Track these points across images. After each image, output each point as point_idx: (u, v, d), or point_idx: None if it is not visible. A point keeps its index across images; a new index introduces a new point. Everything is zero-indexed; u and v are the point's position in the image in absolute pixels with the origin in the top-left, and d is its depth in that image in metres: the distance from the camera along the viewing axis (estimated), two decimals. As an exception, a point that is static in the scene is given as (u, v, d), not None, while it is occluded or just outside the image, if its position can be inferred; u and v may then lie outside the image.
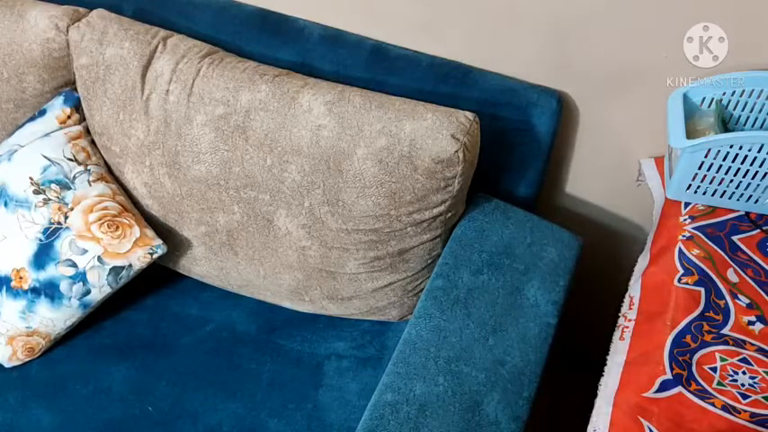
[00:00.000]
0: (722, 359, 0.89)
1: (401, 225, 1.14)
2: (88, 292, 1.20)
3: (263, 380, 1.20)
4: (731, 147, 0.98)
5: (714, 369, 0.88)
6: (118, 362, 1.23)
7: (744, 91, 1.04)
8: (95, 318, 1.27)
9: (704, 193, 1.05)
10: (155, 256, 1.23)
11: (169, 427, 1.14)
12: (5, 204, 1.20)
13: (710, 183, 1.03)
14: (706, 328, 0.92)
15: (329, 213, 1.15)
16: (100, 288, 1.21)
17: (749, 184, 1.01)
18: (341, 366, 1.21)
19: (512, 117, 1.19)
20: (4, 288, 1.19)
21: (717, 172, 1.01)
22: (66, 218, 1.19)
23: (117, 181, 1.28)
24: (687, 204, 1.08)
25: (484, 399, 0.97)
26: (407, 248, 1.17)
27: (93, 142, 1.29)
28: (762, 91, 1.04)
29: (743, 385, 0.87)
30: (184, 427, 1.14)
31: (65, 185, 1.21)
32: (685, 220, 1.05)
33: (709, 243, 1.01)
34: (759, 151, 0.97)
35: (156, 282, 1.34)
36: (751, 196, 1.03)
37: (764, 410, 0.84)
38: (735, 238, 1.02)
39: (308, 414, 1.15)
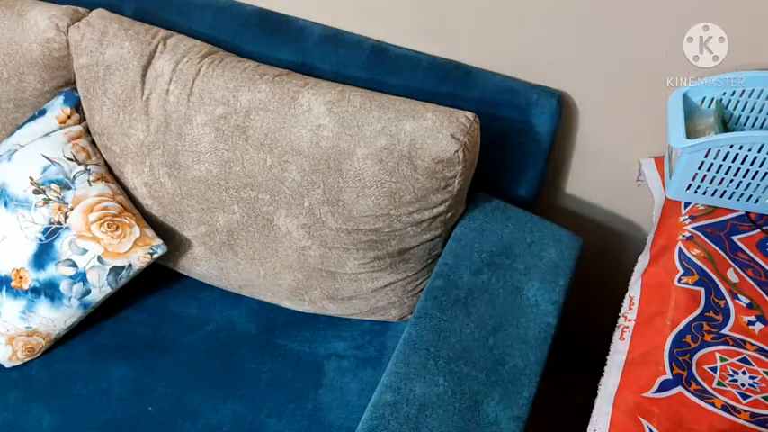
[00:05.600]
0: (722, 359, 0.89)
1: (401, 225, 1.14)
2: (88, 291, 1.20)
3: (263, 380, 1.20)
4: (731, 147, 0.98)
5: (714, 369, 0.88)
6: (118, 362, 1.23)
7: (744, 91, 1.04)
8: (95, 318, 1.28)
9: (704, 193, 1.05)
10: (155, 256, 1.23)
11: (169, 427, 1.14)
12: (5, 204, 1.20)
13: (710, 183, 1.03)
14: (706, 328, 0.92)
15: (329, 213, 1.15)
16: (100, 288, 1.21)
17: (749, 184, 1.01)
18: (341, 366, 1.21)
19: (512, 117, 1.19)
20: (4, 288, 1.19)
21: (717, 172, 1.01)
22: (66, 218, 1.19)
23: (117, 181, 1.28)
24: (687, 204, 1.08)
25: (484, 399, 0.97)
26: (407, 248, 1.17)
27: (93, 142, 1.29)
28: (762, 91, 1.04)
29: (743, 385, 0.87)
30: (184, 426, 1.14)
31: (65, 185, 1.21)
32: (685, 219, 1.05)
33: (709, 243, 1.01)
34: (759, 151, 0.97)
35: (156, 282, 1.33)
36: (751, 196, 1.03)
37: (764, 410, 0.84)
38: (735, 238, 1.02)
39: (308, 414, 1.15)
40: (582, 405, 0.97)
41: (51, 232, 1.19)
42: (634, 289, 1.00)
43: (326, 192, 1.14)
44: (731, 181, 1.02)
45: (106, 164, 1.29)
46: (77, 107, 1.29)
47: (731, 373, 0.88)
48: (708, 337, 0.91)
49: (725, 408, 0.85)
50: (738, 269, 0.98)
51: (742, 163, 0.99)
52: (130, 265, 1.21)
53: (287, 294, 1.27)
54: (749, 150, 0.98)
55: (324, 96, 1.12)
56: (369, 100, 1.11)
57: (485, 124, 1.12)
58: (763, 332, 0.92)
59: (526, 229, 1.17)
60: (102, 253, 1.19)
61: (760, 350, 0.90)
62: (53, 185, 1.21)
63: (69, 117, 1.29)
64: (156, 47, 1.20)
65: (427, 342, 1.02)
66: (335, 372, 1.20)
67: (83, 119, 1.30)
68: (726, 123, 1.07)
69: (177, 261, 1.32)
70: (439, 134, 1.07)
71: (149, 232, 1.24)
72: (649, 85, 1.12)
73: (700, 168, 1.02)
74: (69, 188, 1.21)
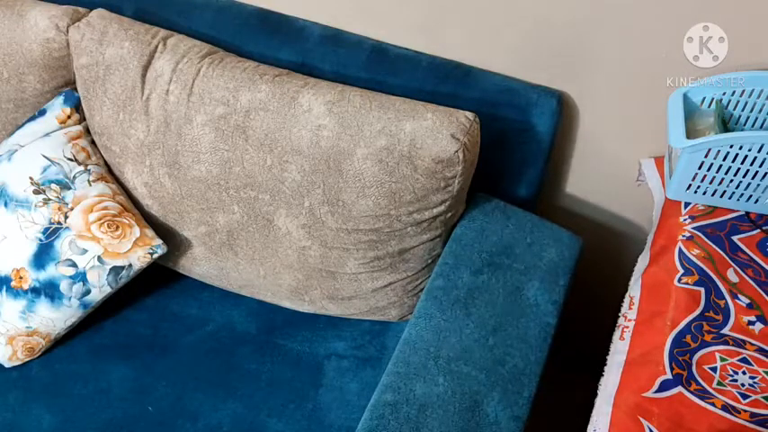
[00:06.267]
0: (722, 359, 0.89)
1: (401, 225, 1.14)
2: (88, 291, 1.20)
3: (263, 380, 1.20)
4: (731, 147, 0.98)
5: (714, 369, 0.88)
6: (118, 362, 1.23)
7: (744, 91, 1.04)
8: (95, 318, 1.27)
9: (704, 193, 1.05)
10: (155, 256, 1.23)
11: (169, 427, 1.14)
12: (5, 204, 1.20)
13: (710, 183, 1.03)
14: (706, 327, 0.92)
15: (329, 213, 1.15)
16: (100, 288, 1.21)
17: (749, 184, 1.01)
18: (341, 366, 1.21)
19: (512, 117, 1.19)
20: (4, 288, 1.19)
21: (717, 172, 1.01)
22: (66, 218, 1.19)
23: (117, 181, 1.28)
24: (687, 204, 1.08)
25: (484, 399, 0.97)
26: (407, 248, 1.17)
27: (93, 142, 1.29)
28: (762, 91, 1.04)
29: (743, 385, 0.87)
30: (184, 426, 1.14)
31: (65, 185, 1.21)
32: (685, 219, 1.05)
33: (709, 243, 1.01)
34: (759, 151, 0.97)
35: (156, 282, 1.33)
36: (751, 196, 1.03)
37: (764, 410, 0.84)
38: (735, 238, 1.02)
39: (308, 414, 1.15)
40: (582, 405, 0.97)
41: (51, 232, 1.19)
42: (634, 289, 1.00)
43: (326, 192, 1.13)
44: (731, 181, 1.02)
45: (106, 164, 1.29)
46: (77, 107, 1.29)
47: (731, 373, 0.88)
48: (708, 337, 0.91)
49: (725, 408, 0.85)
50: (738, 269, 0.98)
51: (742, 163, 0.99)
52: (130, 265, 1.21)
53: (287, 294, 1.27)
54: (749, 150, 0.98)
55: (324, 96, 1.12)
56: (369, 100, 1.11)
57: (485, 124, 1.12)
58: (763, 332, 0.92)
59: (526, 229, 1.17)
60: (102, 253, 1.19)
61: (760, 350, 0.90)
62: (53, 185, 1.21)
63: (69, 117, 1.29)
64: (156, 47, 1.20)
65: (427, 342, 1.02)
66: (335, 372, 1.20)
67: (83, 119, 1.30)
68: (726, 123, 1.07)
69: (177, 261, 1.32)
70: (439, 134, 1.07)
71: (149, 232, 1.24)
72: (649, 85, 1.12)
73: (700, 168, 1.02)
74: (69, 188, 1.21)
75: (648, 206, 1.16)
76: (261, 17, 1.29)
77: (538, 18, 1.13)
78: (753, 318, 0.93)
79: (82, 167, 1.24)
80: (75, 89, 1.29)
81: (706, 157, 1.00)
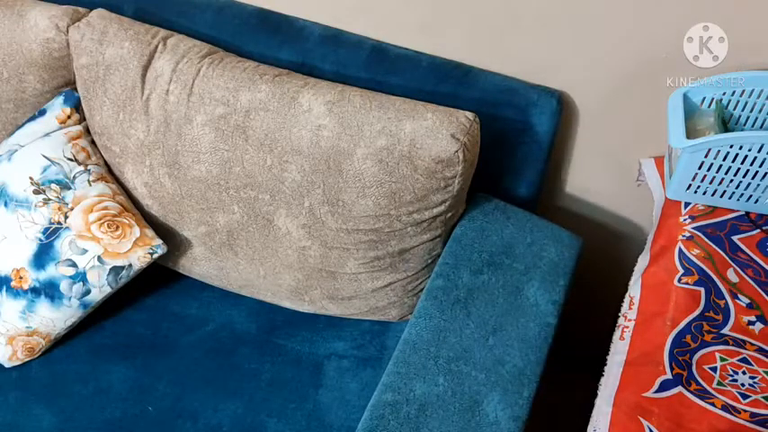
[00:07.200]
0: (722, 359, 0.89)
1: (401, 225, 1.14)
2: (88, 292, 1.20)
3: (263, 380, 1.20)
4: (731, 147, 0.98)
5: (714, 369, 0.88)
6: (118, 362, 1.23)
7: (744, 91, 1.04)
8: (95, 318, 1.28)
9: (704, 193, 1.05)
10: (155, 256, 1.23)
11: (169, 427, 1.14)
12: (5, 204, 1.20)
13: (710, 183, 1.03)
14: (706, 327, 0.92)
15: (329, 213, 1.15)
16: (100, 288, 1.21)
17: (749, 184, 1.01)
18: (341, 366, 1.21)
19: (512, 117, 1.19)
20: (4, 288, 1.19)
21: (717, 172, 1.01)
22: (66, 218, 1.19)
23: (117, 181, 1.28)
24: (687, 204, 1.08)
25: (484, 399, 0.97)
26: (407, 248, 1.17)
27: (93, 142, 1.29)
28: (762, 91, 1.04)
29: (743, 385, 0.87)
30: (184, 426, 1.14)
31: (65, 185, 1.21)
32: (685, 219, 1.05)
33: (710, 243, 1.01)
34: (759, 151, 0.97)
35: (156, 282, 1.34)
36: (751, 196, 1.03)
37: (764, 410, 0.84)
38: (735, 237, 1.02)
39: (307, 414, 1.15)
40: (582, 405, 0.98)
41: (51, 232, 1.19)
42: (634, 289, 1.00)
43: (326, 192, 1.14)
44: (731, 181, 1.02)
45: (106, 164, 1.29)
46: (77, 107, 1.29)
47: (731, 373, 0.88)
48: (708, 337, 0.91)
49: (725, 408, 0.85)
50: (738, 269, 0.98)
51: (742, 163, 0.99)
52: (130, 265, 1.21)
53: (287, 294, 1.27)
54: (749, 150, 0.98)
55: (324, 96, 1.12)
56: (369, 100, 1.11)
57: (485, 124, 1.12)
58: (763, 332, 0.92)
59: (526, 229, 1.17)
60: (102, 253, 1.19)
61: (760, 350, 0.90)
62: (53, 185, 1.21)
63: (69, 117, 1.29)
64: (156, 47, 1.20)
65: (427, 342, 1.02)
66: (335, 372, 1.20)
67: (83, 119, 1.30)
68: (726, 123, 1.07)
69: (177, 261, 1.32)
70: (439, 134, 1.07)
71: (149, 232, 1.24)
72: (649, 85, 1.12)
73: (700, 168, 1.02)
74: (69, 188, 1.21)
75: (648, 206, 1.16)
76: (261, 17, 1.29)
77: (538, 18, 1.13)
78: (753, 318, 0.93)
79: (82, 167, 1.24)
80: (75, 89, 1.29)
81: (706, 157, 1.00)
